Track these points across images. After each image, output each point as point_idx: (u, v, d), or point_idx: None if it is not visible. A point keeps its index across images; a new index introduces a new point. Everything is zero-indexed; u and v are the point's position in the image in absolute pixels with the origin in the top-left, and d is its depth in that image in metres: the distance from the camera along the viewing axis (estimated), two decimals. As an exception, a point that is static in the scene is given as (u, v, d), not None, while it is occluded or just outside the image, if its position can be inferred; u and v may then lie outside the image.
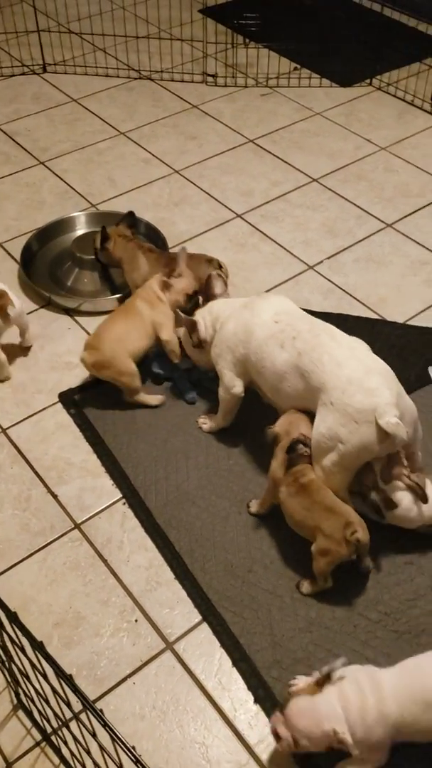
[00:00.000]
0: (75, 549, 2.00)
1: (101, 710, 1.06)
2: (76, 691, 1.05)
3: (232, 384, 2.15)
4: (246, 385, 2.16)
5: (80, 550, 2.00)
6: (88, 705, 1.04)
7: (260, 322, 2.04)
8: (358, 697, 1.52)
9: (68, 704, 1.19)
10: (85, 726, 1.16)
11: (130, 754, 0.98)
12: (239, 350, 2.09)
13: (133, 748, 0.99)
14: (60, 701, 1.21)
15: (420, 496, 1.92)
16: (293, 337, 1.95)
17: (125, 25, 4.25)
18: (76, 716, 1.20)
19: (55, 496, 2.13)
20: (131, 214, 2.77)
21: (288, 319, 2.01)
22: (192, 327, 2.24)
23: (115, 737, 1.00)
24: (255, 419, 2.24)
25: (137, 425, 2.33)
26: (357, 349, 1.90)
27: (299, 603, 1.89)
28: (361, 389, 1.79)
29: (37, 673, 1.22)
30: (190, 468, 2.21)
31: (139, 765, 0.97)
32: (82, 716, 1.20)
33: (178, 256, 2.43)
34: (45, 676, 1.18)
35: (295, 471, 1.92)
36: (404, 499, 1.93)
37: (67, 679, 1.07)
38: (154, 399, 2.36)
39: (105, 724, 1.02)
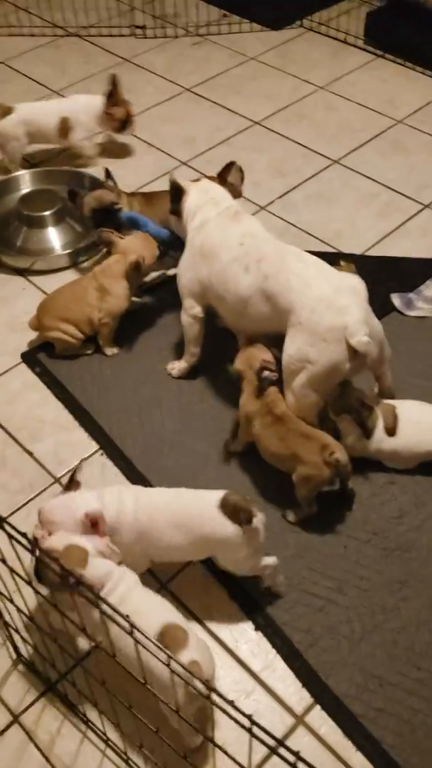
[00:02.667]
0: (57, 503, 1.97)
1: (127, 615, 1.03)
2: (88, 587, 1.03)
3: (191, 305, 2.12)
4: (206, 311, 2.13)
5: (63, 503, 1.97)
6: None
7: (226, 245, 1.99)
8: (115, 500, 1.63)
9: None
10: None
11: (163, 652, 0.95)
12: (202, 271, 2.03)
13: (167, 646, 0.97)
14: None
15: (366, 431, 1.93)
16: (258, 259, 1.91)
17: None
18: (94, 642, 1.18)
19: (30, 454, 2.08)
20: (107, 171, 2.63)
21: (253, 242, 1.96)
22: (177, 195, 2.16)
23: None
24: (224, 362, 2.22)
25: (105, 378, 2.29)
26: (324, 267, 1.88)
27: (288, 531, 1.90)
28: (331, 307, 1.78)
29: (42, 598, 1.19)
30: (164, 414, 2.19)
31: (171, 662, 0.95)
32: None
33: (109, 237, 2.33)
34: (55, 606, 1.15)
35: (268, 402, 1.91)
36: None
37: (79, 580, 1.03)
38: (87, 350, 2.36)
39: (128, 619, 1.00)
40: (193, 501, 1.68)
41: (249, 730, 0.84)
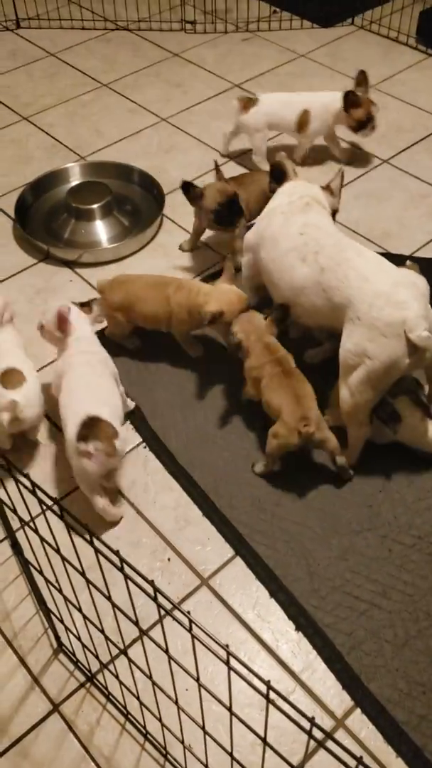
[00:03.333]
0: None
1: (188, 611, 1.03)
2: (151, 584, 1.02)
3: (245, 287, 2.19)
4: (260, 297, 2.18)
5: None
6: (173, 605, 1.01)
7: (286, 233, 1.98)
8: (83, 342, 2.00)
9: (136, 621, 1.16)
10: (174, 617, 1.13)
11: (223, 649, 0.94)
12: (260, 254, 2.06)
13: (227, 645, 0.96)
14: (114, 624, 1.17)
15: (424, 411, 1.92)
16: (316, 251, 1.90)
17: (98, -24, 4.13)
18: (143, 632, 1.17)
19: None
20: (216, 164, 2.62)
21: (314, 233, 1.95)
22: (279, 177, 2.17)
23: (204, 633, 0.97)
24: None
25: (150, 372, 2.29)
26: (384, 263, 1.86)
27: (331, 532, 1.88)
28: (390, 302, 1.76)
29: (91, 587, 1.19)
30: (207, 410, 2.18)
31: (231, 661, 0.94)
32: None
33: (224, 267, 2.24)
34: (109, 597, 1.15)
35: (279, 357, 1.97)
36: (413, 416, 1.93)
37: (150, 583, 1.03)
38: (131, 343, 2.33)
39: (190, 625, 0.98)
40: (91, 396, 1.86)
41: (308, 732, 0.83)
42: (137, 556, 1.84)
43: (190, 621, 0.96)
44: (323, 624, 1.71)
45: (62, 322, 2.00)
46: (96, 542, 1.05)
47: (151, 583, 0.98)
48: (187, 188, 2.44)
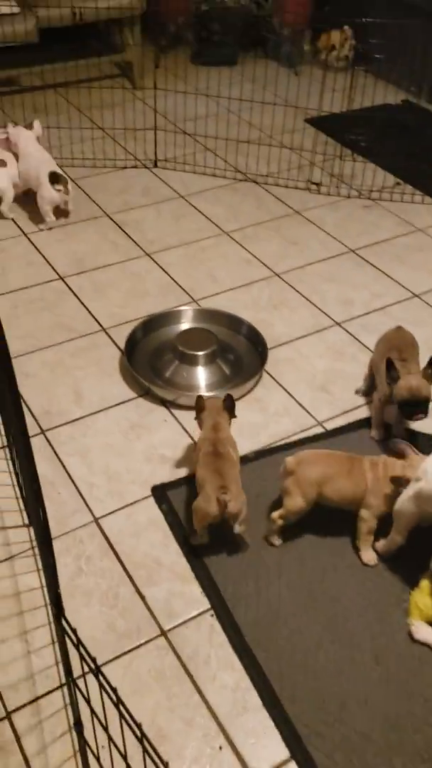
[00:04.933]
0: (161, 658, 1.91)
1: None
2: None
3: None
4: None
5: (166, 659, 1.91)
6: None
7: None
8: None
9: None
10: None
11: None
12: None
13: None
14: None
15: None
16: None
17: (238, 129, 4.43)
18: None
19: (142, 597, 2.05)
20: None
21: None
22: None
23: None
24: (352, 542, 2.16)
25: (226, 536, 2.25)
26: None
27: (396, 750, 1.76)
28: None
29: None
30: (282, 585, 2.11)
31: None
32: None
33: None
34: None
35: (216, 438, 2.22)
36: None
37: None
38: (276, 540, 2.23)
39: None
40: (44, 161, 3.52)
41: None
42: (188, 737, 1.76)
43: None
44: None
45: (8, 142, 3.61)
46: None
47: None
48: (389, 366, 2.42)
